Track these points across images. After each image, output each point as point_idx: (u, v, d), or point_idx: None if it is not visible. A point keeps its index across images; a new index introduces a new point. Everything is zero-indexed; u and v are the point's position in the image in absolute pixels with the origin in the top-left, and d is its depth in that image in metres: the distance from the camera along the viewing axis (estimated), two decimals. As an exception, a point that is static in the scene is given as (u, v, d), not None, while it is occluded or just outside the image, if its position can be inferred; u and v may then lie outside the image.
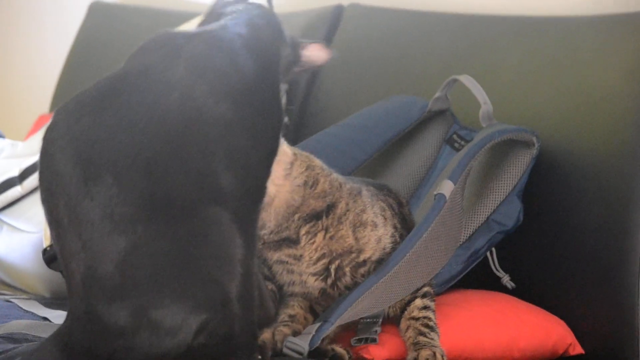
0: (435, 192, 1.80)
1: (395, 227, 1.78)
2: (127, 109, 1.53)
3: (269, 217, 1.71)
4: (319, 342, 1.67)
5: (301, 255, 1.73)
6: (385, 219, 1.77)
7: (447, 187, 1.80)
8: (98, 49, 3.38)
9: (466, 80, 2.05)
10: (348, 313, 1.69)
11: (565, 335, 1.89)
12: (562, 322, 1.91)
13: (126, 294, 1.47)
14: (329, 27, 2.69)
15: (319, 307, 1.77)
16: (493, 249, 1.98)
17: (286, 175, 1.72)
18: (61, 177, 1.51)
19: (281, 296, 1.81)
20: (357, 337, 1.74)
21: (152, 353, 1.49)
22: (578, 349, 1.90)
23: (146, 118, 1.52)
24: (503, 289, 1.98)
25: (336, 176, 1.76)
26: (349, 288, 1.74)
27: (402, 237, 1.78)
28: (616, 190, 1.90)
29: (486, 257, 1.98)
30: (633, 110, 1.93)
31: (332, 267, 1.73)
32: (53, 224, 1.53)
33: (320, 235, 1.73)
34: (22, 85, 4.01)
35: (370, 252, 1.74)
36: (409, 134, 2.16)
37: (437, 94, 2.13)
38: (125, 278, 1.47)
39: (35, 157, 2.35)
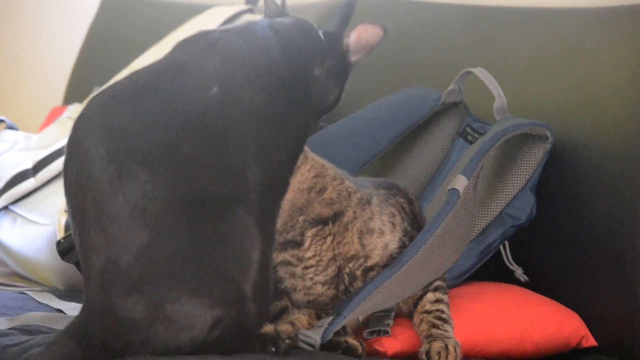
0: (448, 187, 1.79)
1: (405, 231, 1.77)
2: (166, 103, 1.52)
3: None
4: (332, 335, 1.67)
5: (303, 257, 1.72)
6: (394, 225, 1.76)
7: (460, 182, 1.78)
8: (111, 41, 3.37)
9: (480, 73, 2.03)
10: (361, 307, 1.69)
11: (579, 328, 1.89)
12: (575, 315, 1.90)
13: (144, 288, 1.48)
14: (341, 19, 2.68)
15: (325, 315, 1.74)
16: (506, 242, 1.97)
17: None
18: (93, 171, 1.50)
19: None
20: (369, 330, 1.74)
21: (167, 347, 1.50)
22: (591, 341, 1.90)
23: (185, 113, 1.51)
24: (516, 282, 1.98)
25: (347, 185, 1.74)
26: None
27: (412, 239, 1.76)
28: (629, 183, 1.89)
29: (499, 250, 1.97)
30: (645, 102, 1.93)
31: (345, 272, 1.73)
32: (77, 217, 1.52)
33: (329, 240, 1.72)
34: (35, 77, 4.01)
35: (377, 258, 1.73)
36: (421, 127, 2.15)
37: (451, 87, 2.11)
38: (144, 272, 1.48)
39: (48, 150, 2.36)
